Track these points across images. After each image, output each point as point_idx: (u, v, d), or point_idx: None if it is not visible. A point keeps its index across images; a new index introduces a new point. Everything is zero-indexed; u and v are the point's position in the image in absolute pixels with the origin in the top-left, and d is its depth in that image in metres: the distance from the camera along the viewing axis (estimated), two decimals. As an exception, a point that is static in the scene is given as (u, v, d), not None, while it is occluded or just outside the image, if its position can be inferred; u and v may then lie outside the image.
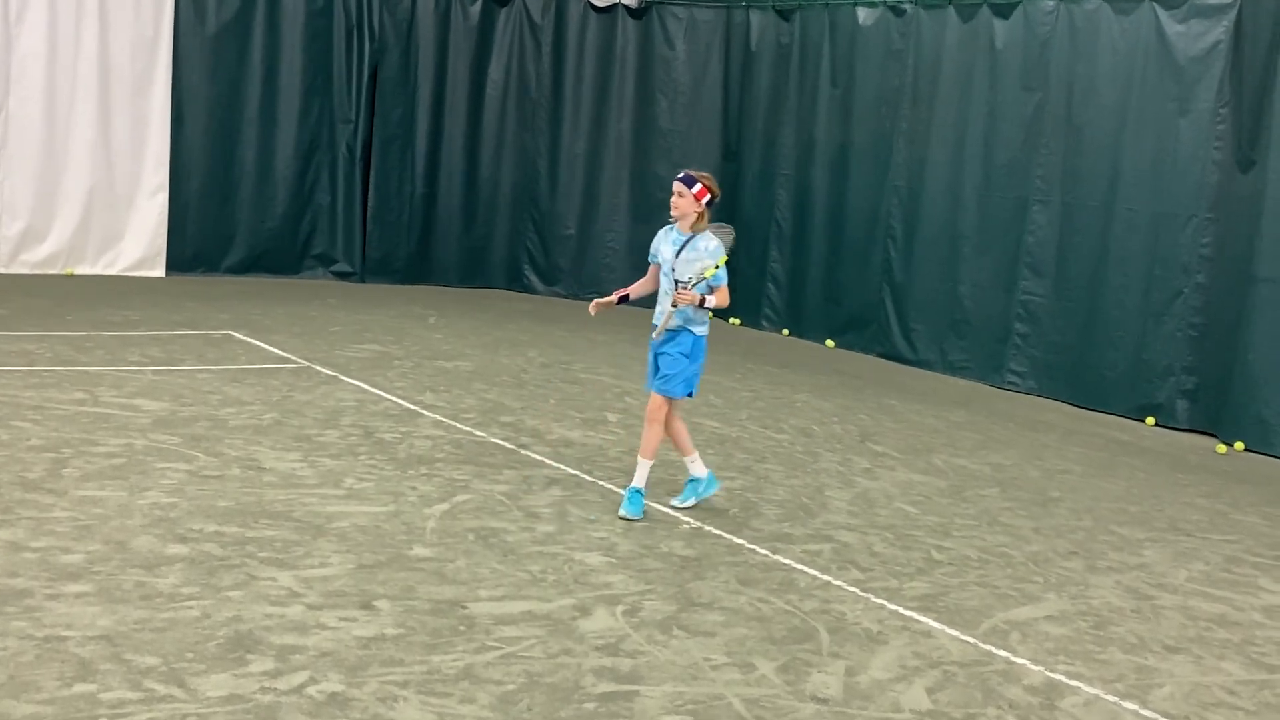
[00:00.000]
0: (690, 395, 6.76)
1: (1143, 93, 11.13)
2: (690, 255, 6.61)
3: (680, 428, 6.86)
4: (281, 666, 4.28)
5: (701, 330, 6.69)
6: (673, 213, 6.70)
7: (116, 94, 13.97)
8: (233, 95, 14.65)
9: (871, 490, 7.60)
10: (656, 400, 6.65)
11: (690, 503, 6.83)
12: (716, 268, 6.58)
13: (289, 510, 6.06)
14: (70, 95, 13.73)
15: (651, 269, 6.88)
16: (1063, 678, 4.88)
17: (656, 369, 6.71)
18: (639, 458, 6.65)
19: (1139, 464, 9.28)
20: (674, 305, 6.56)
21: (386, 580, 5.23)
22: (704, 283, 6.56)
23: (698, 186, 6.64)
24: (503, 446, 7.74)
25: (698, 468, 6.87)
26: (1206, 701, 4.80)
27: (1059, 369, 11.69)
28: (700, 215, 6.65)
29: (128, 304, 12.02)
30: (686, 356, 6.63)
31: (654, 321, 6.71)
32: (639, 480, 6.63)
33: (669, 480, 7.28)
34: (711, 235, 6.67)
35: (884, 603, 5.55)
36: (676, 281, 6.61)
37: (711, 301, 6.58)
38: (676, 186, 6.69)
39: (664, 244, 6.77)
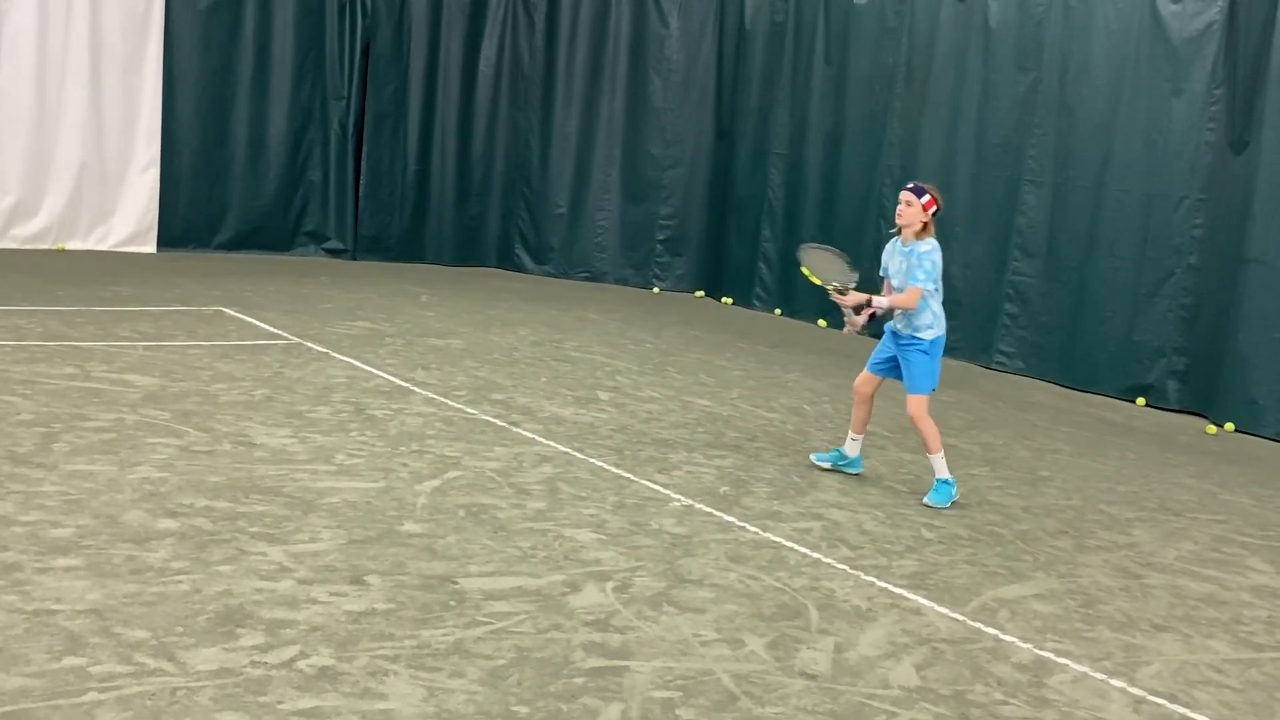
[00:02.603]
0: (933, 390, 7.03)
1: (1136, 73, 11.12)
2: (912, 260, 6.87)
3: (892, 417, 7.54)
4: (272, 640, 4.28)
5: (928, 334, 6.95)
6: (898, 220, 6.94)
7: (108, 69, 13.91)
8: (224, 71, 14.60)
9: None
10: (916, 402, 6.94)
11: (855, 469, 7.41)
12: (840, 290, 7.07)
13: (280, 486, 6.05)
14: (61, 71, 13.67)
15: (885, 284, 7.14)
16: (1051, 655, 4.90)
17: (889, 362, 7.10)
18: (930, 456, 7.00)
19: (1129, 444, 9.31)
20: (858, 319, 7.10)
21: (377, 555, 5.23)
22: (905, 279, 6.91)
23: (926, 197, 6.86)
24: (494, 424, 7.74)
25: (854, 447, 7.37)
26: (1194, 679, 4.82)
27: (1049, 349, 11.71)
28: (925, 225, 6.89)
29: (119, 280, 11.99)
30: (926, 354, 6.96)
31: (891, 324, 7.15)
32: (942, 471, 6.99)
33: (659, 459, 7.30)
34: (929, 240, 6.90)
35: (873, 580, 5.57)
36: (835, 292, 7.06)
37: (882, 304, 6.93)
38: (905, 196, 6.90)
39: (892, 257, 7.05)
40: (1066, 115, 11.61)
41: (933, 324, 6.94)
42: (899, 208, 6.92)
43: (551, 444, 7.40)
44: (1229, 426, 10.17)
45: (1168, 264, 10.90)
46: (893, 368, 7.11)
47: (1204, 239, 10.71)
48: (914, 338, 6.95)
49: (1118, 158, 11.23)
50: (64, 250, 13.71)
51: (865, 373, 7.22)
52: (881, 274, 7.15)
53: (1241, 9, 10.49)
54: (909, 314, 6.93)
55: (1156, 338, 10.95)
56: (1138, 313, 11.07)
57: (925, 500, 6.96)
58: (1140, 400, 10.99)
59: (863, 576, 5.60)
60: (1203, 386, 10.67)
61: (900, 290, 6.94)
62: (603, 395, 8.94)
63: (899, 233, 6.99)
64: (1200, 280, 10.74)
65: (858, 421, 7.28)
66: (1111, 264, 11.23)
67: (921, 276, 6.80)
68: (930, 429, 6.93)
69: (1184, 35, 10.82)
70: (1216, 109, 10.62)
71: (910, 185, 6.99)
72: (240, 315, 10.63)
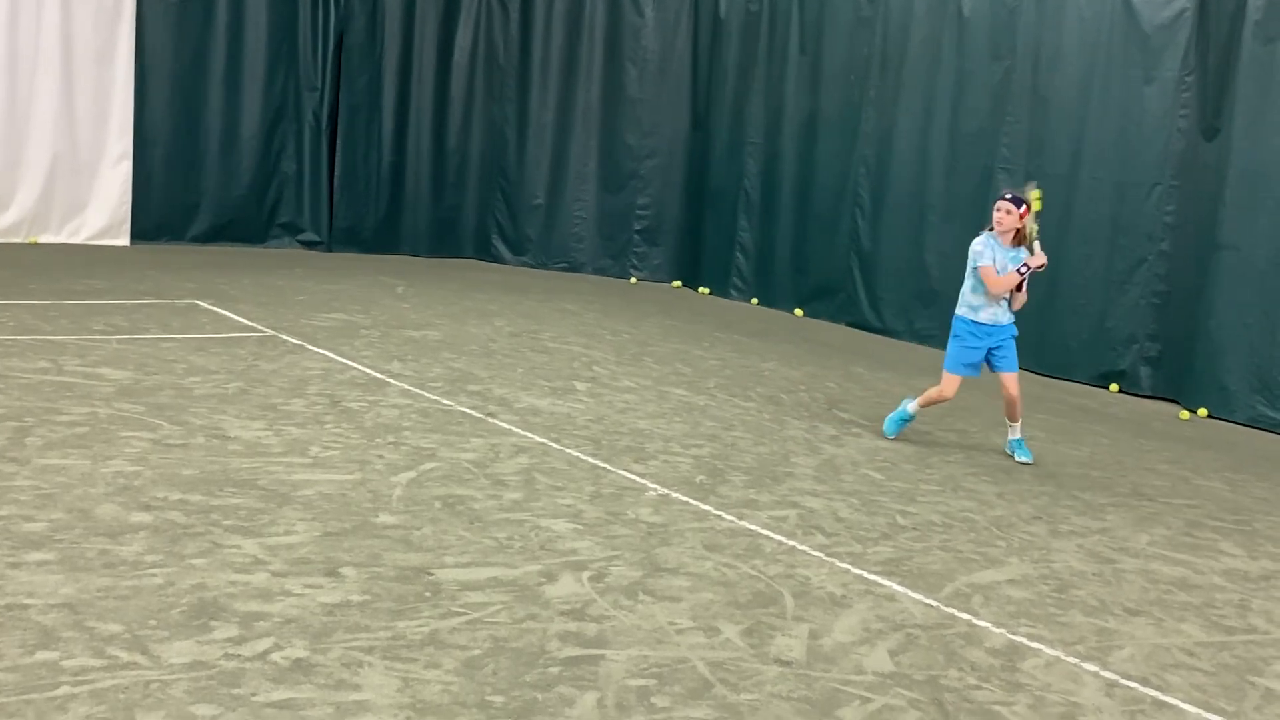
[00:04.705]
0: None
1: (1109, 61, 11.18)
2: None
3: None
4: (246, 633, 4.27)
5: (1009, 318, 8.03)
6: (997, 226, 7.76)
7: (80, 61, 13.83)
8: (197, 62, 14.53)
9: (838, 457, 7.64)
10: (1014, 379, 7.95)
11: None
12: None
13: (254, 478, 6.04)
14: (33, 63, 13.58)
15: (990, 268, 7.86)
16: (1024, 640, 4.93)
17: (992, 359, 7.96)
18: (1015, 423, 8.09)
19: (1102, 430, 9.36)
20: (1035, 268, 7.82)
21: (352, 547, 5.22)
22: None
23: (1024, 208, 7.73)
24: (470, 415, 7.74)
25: (914, 406, 8.21)
26: (1166, 663, 4.85)
27: (1022, 337, 11.69)
28: (1018, 232, 7.75)
29: (92, 273, 11.92)
30: (1016, 336, 8.04)
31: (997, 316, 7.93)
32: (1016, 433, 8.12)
33: (636, 449, 7.31)
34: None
35: (848, 567, 5.59)
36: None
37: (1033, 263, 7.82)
38: (1004, 205, 7.75)
39: (999, 252, 7.80)
40: (1039, 104, 11.66)
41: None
42: (998, 215, 7.73)
43: (528, 435, 7.40)
44: (1202, 412, 10.25)
45: (1140, 251, 10.96)
46: (978, 366, 7.97)
47: (1176, 225, 10.78)
48: (1013, 322, 7.95)
49: (1090, 145, 11.28)
50: (36, 243, 13.63)
51: (958, 380, 7.98)
52: (985, 263, 7.79)
53: (1212, -4, 10.55)
54: (1007, 304, 7.87)
55: (1129, 324, 11.02)
56: (1110, 300, 11.13)
57: (1021, 460, 7.97)
58: (1113, 386, 11.06)
59: (837, 563, 5.63)
60: (1175, 373, 10.74)
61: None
62: (580, 386, 8.95)
63: (992, 231, 7.78)
64: (1172, 267, 10.80)
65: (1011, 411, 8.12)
66: (1084, 251, 11.29)
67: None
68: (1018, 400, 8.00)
69: (1155, 23, 10.87)
70: (1188, 96, 10.68)
71: (1009, 195, 7.82)
72: (214, 308, 10.59)
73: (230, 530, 5.29)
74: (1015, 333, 7.97)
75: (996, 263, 7.76)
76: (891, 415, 8.28)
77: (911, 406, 8.19)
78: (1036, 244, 7.78)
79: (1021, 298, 7.86)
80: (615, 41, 15.65)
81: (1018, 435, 8.09)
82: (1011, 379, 7.92)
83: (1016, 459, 8.01)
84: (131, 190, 14.20)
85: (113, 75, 14.02)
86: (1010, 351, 7.93)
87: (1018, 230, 7.74)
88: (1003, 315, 7.91)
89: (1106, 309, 11.15)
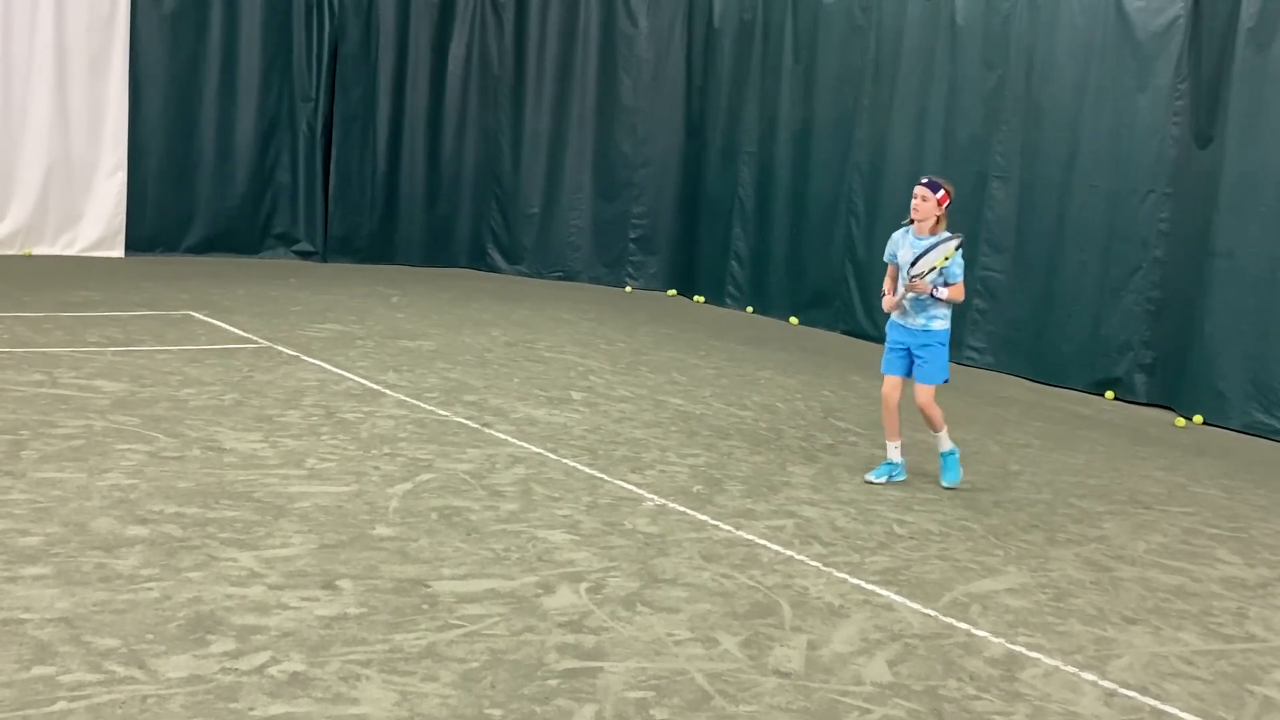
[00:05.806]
0: (946, 381, 7.23)
1: (1102, 69, 11.20)
2: (934, 255, 6.97)
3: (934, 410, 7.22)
4: (242, 647, 4.26)
5: (939, 325, 7.12)
6: (914, 215, 7.08)
7: (73, 73, 13.83)
8: (191, 74, 14.53)
9: (834, 465, 7.63)
10: (928, 392, 7.09)
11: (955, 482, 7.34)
12: (946, 258, 6.93)
13: (250, 491, 6.02)
14: (26, 75, 13.58)
15: (890, 269, 7.25)
16: (1023, 649, 4.93)
17: (906, 360, 7.17)
18: (936, 433, 7.24)
19: (1098, 437, 9.36)
20: (909, 292, 7.00)
21: (349, 560, 5.21)
22: (935, 273, 6.94)
23: (941, 192, 7.06)
24: (466, 425, 7.73)
25: (896, 452, 7.34)
26: (1164, 671, 4.85)
27: (1018, 344, 11.77)
28: (939, 219, 7.07)
29: (86, 284, 11.91)
30: (943, 345, 7.15)
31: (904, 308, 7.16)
32: (947, 444, 7.27)
33: (632, 458, 7.30)
34: (953, 234, 7.09)
35: (846, 577, 5.58)
36: (913, 276, 6.99)
37: (943, 293, 6.99)
38: (920, 191, 7.06)
39: (902, 246, 7.14)
40: (1033, 111, 11.68)
41: (945, 314, 7.14)
42: (914, 202, 7.06)
43: (524, 445, 7.39)
44: (1197, 419, 10.25)
45: (1134, 258, 10.97)
46: (908, 363, 7.20)
47: (1170, 233, 10.79)
48: (928, 329, 7.09)
49: (1084, 153, 11.30)
50: (31, 255, 13.61)
51: (890, 379, 7.20)
52: (887, 259, 7.28)
53: (1205, 4, 10.56)
54: (925, 305, 7.05)
55: (1124, 331, 11.03)
56: (1105, 307, 11.14)
57: (944, 483, 7.25)
58: (1109, 394, 11.06)
59: (835, 573, 5.62)
60: (1170, 379, 10.74)
61: (920, 273, 6.98)
62: (576, 395, 8.94)
63: (911, 223, 7.13)
64: (1167, 274, 10.81)
65: (893, 429, 7.27)
66: (1079, 258, 11.30)
67: (958, 271, 7.03)
68: (938, 411, 7.17)
69: (1149, 31, 10.89)
70: (1181, 103, 10.70)
71: (925, 180, 7.13)
72: (209, 319, 10.57)
73: (226, 543, 5.28)
74: (942, 340, 7.12)
75: (899, 256, 7.11)
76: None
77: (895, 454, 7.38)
78: (923, 271, 6.94)
79: (944, 293, 6.96)
80: (609, 51, 15.67)
81: (945, 446, 7.29)
82: (919, 389, 7.11)
83: (941, 481, 7.33)
84: (126, 202, 14.20)
85: (106, 86, 14.02)
86: (927, 360, 7.09)
87: (938, 218, 7.03)
88: (913, 318, 7.09)
89: (1101, 316, 11.16)
